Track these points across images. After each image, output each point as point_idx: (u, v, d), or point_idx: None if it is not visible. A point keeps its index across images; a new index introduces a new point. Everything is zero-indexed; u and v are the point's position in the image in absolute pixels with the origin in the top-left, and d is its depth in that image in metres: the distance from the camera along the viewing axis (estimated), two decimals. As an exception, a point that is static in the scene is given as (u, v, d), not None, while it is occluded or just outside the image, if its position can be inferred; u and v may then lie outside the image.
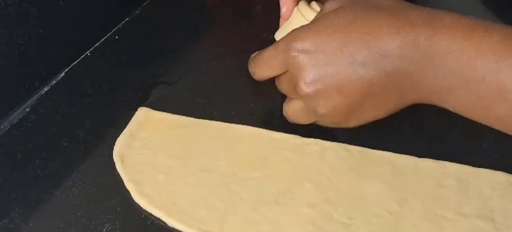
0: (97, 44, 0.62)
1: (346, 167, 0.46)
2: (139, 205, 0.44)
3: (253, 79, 0.50)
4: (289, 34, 0.46)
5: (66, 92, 0.55)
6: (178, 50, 0.61)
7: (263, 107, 0.52)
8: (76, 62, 0.59)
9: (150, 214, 0.43)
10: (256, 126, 0.50)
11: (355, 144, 0.48)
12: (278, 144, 0.48)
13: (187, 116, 0.51)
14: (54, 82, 0.56)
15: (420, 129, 0.50)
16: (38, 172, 0.47)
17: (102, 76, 0.58)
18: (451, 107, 0.43)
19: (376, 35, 0.42)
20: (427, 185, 0.44)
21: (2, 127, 0.51)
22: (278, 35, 0.54)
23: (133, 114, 0.51)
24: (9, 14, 0.50)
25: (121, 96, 0.55)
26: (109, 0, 0.64)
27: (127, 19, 0.66)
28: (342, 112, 0.45)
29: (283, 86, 0.48)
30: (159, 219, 0.43)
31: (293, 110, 0.48)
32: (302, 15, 0.52)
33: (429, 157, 0.46)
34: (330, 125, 0.48)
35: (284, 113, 0.49)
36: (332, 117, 0.46)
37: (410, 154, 0.47)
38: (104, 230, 0.42)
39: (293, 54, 0.45)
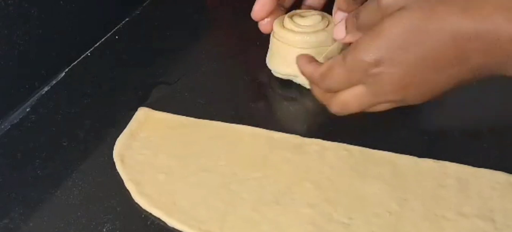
0: (97, 44, 0.62)
1: (346, 167, 0.46)
2: (139, 205, 0.44)
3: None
4: (357, 51, 0.43)
5: (66, 92, 0.56)
6: (178, 50, 0.61)
7: (263, 107, 0.53)
8: (76, 62, 0.59)
9: (150, 214, 0.43)
10: (256, 126, 0.50)
11: (355, 144, 0.48)
12: (278, 144, 0.48)
13: (187, 116, 0.51)
14: (54, 82, 0.56)
15: (420, 129, 0.50)
16: (38, 172, 0.47)
17: (102, 76, 0.58)
18: None
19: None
20: (427, 185, 0.44)
21: (2, 127, 0.51)
22: (270, 63, 0.55)
23: (133, 114, 0.51)
24: (9, 14, 0.50)
25: (121, 96, 0.55)
26: (109, 0, 0.64)
27: (127, 19, 0.66)
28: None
29: (340, 86, 0.45)
30: (159, 219, 0.43)
31: (355, 102, 0.45)
32: (277, 40, 0.53)
33: (429, 157, 0.46)
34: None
35: (338, 109, 0.46)
36: (428, 97, 0.44)
37: (410, 154, 0.47)
38: (104, 230, 0.42)
39: (376, 70, 0.42)
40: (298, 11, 0.55)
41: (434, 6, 0.41)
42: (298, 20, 0.53)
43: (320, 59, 0.48)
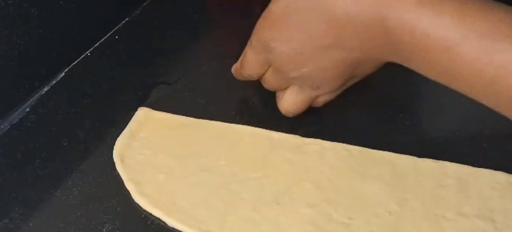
0: (97, 44, 0.62)
1: (346, 167, 0.46)
2: (139, 205, 0.44)
3: (253, 79, 0.50)
4: (256, 32, 0.48)
5: (66, 92, 0.55)
6: (178, 50, 0.61)
7: (263, 107, 0.52)
8: (76, 62, 0.59)
9: (150, 214, 0.43)
10: (256, 126, 0.50)
11: (355, 144, 0.48)
12: (278, 144, 0.48)
13: (187, 116, 0.51)
14: (54, 82, 0.56)
15: (420, 129, 0.50)
16: (38, 172, 0.47)
17: (102, 76, 0.58)
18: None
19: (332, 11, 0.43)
20: (427, 185, 0.44)
21: (2, 127, 0.51)
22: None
23: (133, 114, 0.51)
24: (9, 14, 0.50)
25: (121, 96, 0.55)
26: (109, 0, 0.64)
27: (127, 19, 0.66)
28: (338, 69, 0.46)
29: (272, 82, 0.50)
30: (159, 219, 0.43)
31: (291, 100, 0.49)
32: None
33: (429, 157, 0.46)
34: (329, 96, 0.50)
35: (283, 110, 0.50)
36: (331, 80, 0.48)
37: (410, 154, 0.47)
38: (104, 230, 0.42)
39: (273, 45, 0.46)
40: None
41: None
42: None
43: None
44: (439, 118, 0.51)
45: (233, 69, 0.52)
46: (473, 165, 0.46)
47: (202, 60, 0.59)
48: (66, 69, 0.58)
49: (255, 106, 0.53)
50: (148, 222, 0.43)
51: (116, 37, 0.63)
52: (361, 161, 0.47)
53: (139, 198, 0.44)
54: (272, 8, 0.46)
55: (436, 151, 0.47)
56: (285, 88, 0.50)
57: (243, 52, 0.50)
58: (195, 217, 0.42)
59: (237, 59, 0.53)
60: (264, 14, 0.47)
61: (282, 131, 0.49)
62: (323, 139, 0.48)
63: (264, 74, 0.50)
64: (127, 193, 0.45)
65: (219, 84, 0.56)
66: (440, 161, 0.46)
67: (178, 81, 0.56)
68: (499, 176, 0.45)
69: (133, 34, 0.64)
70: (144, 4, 0.68)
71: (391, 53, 0.43)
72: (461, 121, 0.51)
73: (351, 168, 0.46)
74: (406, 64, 0.43)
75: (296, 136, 0.49)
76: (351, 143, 0.48)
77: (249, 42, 0.49)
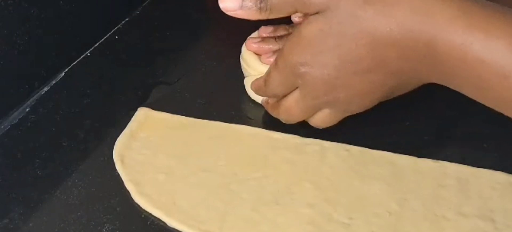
0: (97, 44, 0.62)
1: (346, 167, 0.46)
2: (139, 205, 0.44)
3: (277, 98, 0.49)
4: (283, 55, 0.45)
5: (66, 92, 0.55)
6: (178, 50, 0.61)
7: (263, 108, 0.52)
8: (76, 62, 0.59)
9: (150, 214, 0.43)
10: (256, 126, 0.50)
11: (355, 144, 0.48)
12: (278, 144, 0.48)
13: (187, 116, 0.51)
14: (54, 82, 0.56)
15: (420, 129, 0.50)
16: (38, 172, 0.47)
17: (102, 76, 0.58)
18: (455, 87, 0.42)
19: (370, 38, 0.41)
20: (427, 185, 0.44)
21: (2, 127, 0.51)
22: (248, 88, 0.53)
23: (133, 114, 0.51)
24: (9, 14, 0.50)
25: (121, 96, 0.55)
26: (109, 0, 0.64)
27: (127, 19, 0.66)
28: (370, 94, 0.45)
29: (295, 109, 0.47)
30: (159, 219, 0.43)
31: (323, 121, 0.47)
32: (247, 66, 0.51)
33: (429, 157, 0.46)
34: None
35: (314, 125, 0.48)
36: (367, 103, 0.46)
37: (410, 154, 0.47)
38: (104, 230, 0.42)
39: (303, 70, 0.44)
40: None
41: (354, 11, 0.41)
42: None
43: None
44: (439, 118, 0.51)
45: (254, 86, 0.50)
46: (473, 165, 0.46)
47: (202, 60, 0.59)
48: (66, 69, 0.58)
49: (255, 106, 0.53)
50: (148, 222, 0.43)
51: (116, 37, 0.63)
52: (361, 161, 0.47)
53: (139, 198, 0.44)
54: (303, 32, 0.43)
55: (436, 151, 0.47)
56: (312, 114, 0.47)
57: (267, 71, 0.48)
58: (195, 217, 0.42)
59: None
60: (293, 38, 0.44)
61: (282, 131, 0.49)
62: (323, 139, 0.48)
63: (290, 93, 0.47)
64: (127, 193, 0.45)
65: (219, 84, 0.56)
66: (440, 161, 0.46)
67: (178, 81, 0.56)
68: (499, 176, 0.45)
69: (133, 34, 0.64)
70: (144, 4, 0.68)
71: (437, 77, 0.42)
72: (461, 121, 0.51)
73: (351, 168, 0.46)
74: (453, 88, 0.42)
75: (296, 136, 0.49)
76: (351, 143, 0.48)
77: (274, 63, 0.47)
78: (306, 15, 0.44)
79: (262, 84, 0.48)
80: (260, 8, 0.45)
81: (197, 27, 0.65)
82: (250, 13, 0.46)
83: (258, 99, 0.52)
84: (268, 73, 0.48)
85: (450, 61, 0.39)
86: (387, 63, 0.42)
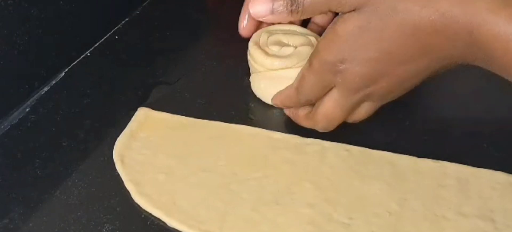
0: (97, 44, 0.62)
1: (346, 167, 0.46)
2: (139, 205, 0.44)
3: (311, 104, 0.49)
4: (318, 55, 0.45)
5: (66, 92, 0.55)
6: (178, 50, 0.61)
7: (263, 107, 0.52)
8: (76, 62, 0.59)
9: (150, 214, 0.43)
10: (256, 126, 0.50)
11: (355, 144, 0.48)
12: (278, 144, 0.48)
13: (187, 116, 0.51)
14: (54, 82, 0.56)
15: (420, 129, 0.50)
16: (38, 172, 0.47)
17: (102, 76, 0.58)
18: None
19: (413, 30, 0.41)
20: (427, 185, 0.44)
21: (2, 127, 0.51)
22: (254, 85, 0.52)
23: (133, 114, 0.51)
24: (9, 14, 0.50)
25: (121, 96, 0.55)
26: (109, 0, 0.64)
27: (127, 19, 0.66)
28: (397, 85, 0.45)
29: (331, 105, 0.46)
30: (159, 219, 0.43)
31: (363, 113, 0.48)
32: (254, 62, 0.51)
33: (429, 157, 0.46)
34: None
35: (352, 121, 0.48)
36: (408, 89, 0.46)
37: (410, 154, 0.47)
38: (104, 230, 0.42)
39: (342, 67, 0.44)
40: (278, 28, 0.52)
41: (394, 5, 0.41)
42: (277, 47, 0.50)
43: None
44: (439, 118, 0.51)
45: (282, 97, 0.49)
46: (473, 165, 0.46)
47: (202, 60, 0.59)
48: (66, 69, 0.58)
49: (255, 106, 0.53)
50: (148, 222, 0.43)
51: (116, 37, 0.63)
52: (361, 161, 0.47)
53: (139, 198, 0.44)
54: (339, 30, 0.43)
55: (436, 151, 0.47)
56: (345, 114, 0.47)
57: (298, 76, 0.47)
58: (195, 217, 0.42)
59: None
60: (327, 36, 0.44)
61: (282, 131, 0.49)
62: (323, 139, 0.48)
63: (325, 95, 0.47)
64: (127, 193, 0.45)
65: (219, 84, 0.56)
66: (440, 161, 0.46)
67: (178, 81, 0.56)
68: (499, 176, 0.45)
69: (133, 34, 0.64)
70: (144, 4, 0.68)
71: (479, 62, 0.42)
72: (461, 121, 0.51)
73: (351, 168, 0.46)
74: (495, 72, 0.42)
75: (296, 136, 0.49)
76: (351, 143, 0.48)
77: (307, 66, 0.46)
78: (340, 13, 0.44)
79: (293, 92, 0.48)
80: (291, 11, 0.45)
81: (197, 27, 0.65)
82: (281, 17, 0.46)
83: (265, 98, 0.52)
84: (300, 78, 0.47)
85: (493, 52, 0.40)
86: (432, 49, 0.42)
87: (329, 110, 0.46)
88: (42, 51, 0.55)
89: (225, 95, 0.54)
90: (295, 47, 0.50)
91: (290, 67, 0.49)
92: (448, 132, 0.49)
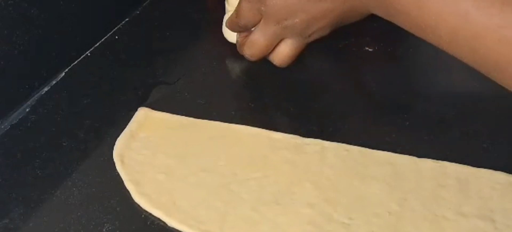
0: (97, 44, 0.62)
1: (346, 167, 0.46)
2: (139, 205, 0.44)
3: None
4: None
5: (66, 92, 0.55)
6: (178, 50, 0.61)
7: (263, 107, 0.52)
8: (76, 62, 0.59)
9: (150, 214, 0.43)
10: (256, 126, 0.50)
11: (355, 144, 0.48)
12: (278, 144, 0.48)
13: (187, 116, 0.51)
14: (54, 82, 0.56)
15: (420, 129, 0.50)
16: (38, 172, 0.47)
17: (102, 76, 0.58)
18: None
19: None
20: (427, 185, 0.44)
21: (2, 127, 0.51)
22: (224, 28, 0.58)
23: (133, 114, 0.51)
24: (9, 14, 0.50)
25: (121, 96, 0.55)
26: (109, 0, 0.64)
27: (127, 19, 0.66)
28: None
29: (260, 38, 0.52)
30: (159, 219, 0.43)
31: (286, 52, 0.53)
32: (228, 4, 0.57)
33: (429, 157, 0.46)
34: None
35: (278, 62, 0.54)
36: (321, 29, 0.52)
37: (410, 154, 0.47)
38: (104, 230, 0.42)
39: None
40: None
41: None
42: None
43: None
44: (439, 118, 0.51)
45: (227, 22, 0.56)
46: (473, 165, 0.46)
47: (202, 60, 0.59)
48: (66, 69, 0.58)
49: (255, 106, 0.53)
50: (148, 222, 0.43)
51: (116, 37, 0.63)
52: (361, 161, 0.47)
53: (139, 198, 0.44)
54: None
55: (436, 151, 0.47)
56: (274, 43, 0.53)
57: (238, 3, 0.53)
58: (195, 217, 0.42)
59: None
60: None
61: (282, 131, 0.49)
62: (323, 139, 0.48)
63: (257, 23, 0.52)
64: (127, 193, 0.45)
65: (219, 84, 0.56)
66: (440, 161, 0.46)
67: (178, 81, 0.56)
68: (499, 176, 0.45)
69: (133, 34, 0.64)
70: (144, 4, 0.68)
71: (373, 7, 0.48)
72: (461, 121, 0.51)
73: (351, 168, 0.46)
74: (386, 17, 0.47)
75: (296, 136, 0.49)
76: (351, 143, 0.48)
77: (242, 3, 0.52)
78: None
79: (234, 16, 0.54)
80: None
81: (197, 27, 0.65)
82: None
83: (233, 38, 0.56)
84: (239, 4, 0.53)
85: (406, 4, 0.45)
86: None
87: (254, 37, 0.53)
88: (42, 51, 0.55)
89: (225, 95, 0.55)
90: None
91: None
92: (448, 132, 0.49)
